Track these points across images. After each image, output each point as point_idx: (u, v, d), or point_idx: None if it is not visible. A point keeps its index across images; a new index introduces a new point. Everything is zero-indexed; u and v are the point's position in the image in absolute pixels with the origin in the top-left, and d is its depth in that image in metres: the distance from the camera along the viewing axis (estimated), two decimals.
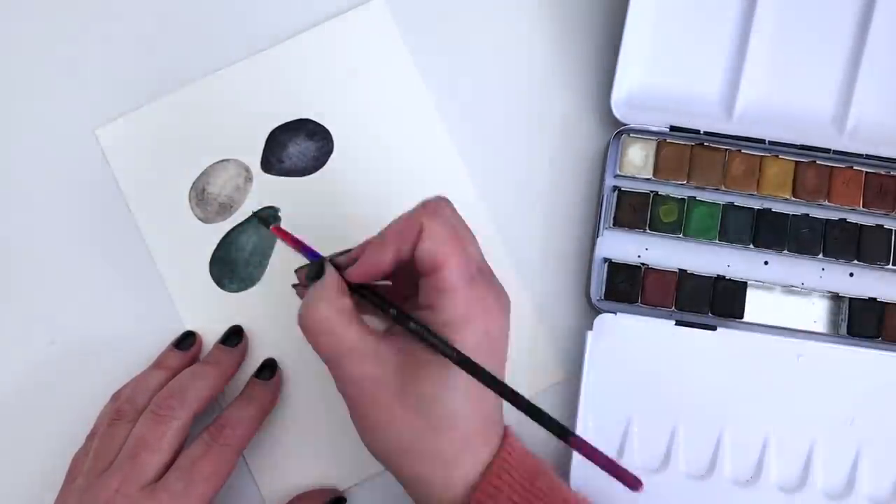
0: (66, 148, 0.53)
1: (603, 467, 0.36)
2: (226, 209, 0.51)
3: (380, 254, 0.40)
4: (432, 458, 0.40)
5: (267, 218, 0.46)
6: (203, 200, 0.50)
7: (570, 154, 0.53)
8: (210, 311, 0.51)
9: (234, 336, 0.50)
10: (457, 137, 0.53)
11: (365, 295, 0.41)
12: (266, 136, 0.53)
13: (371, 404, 0.40)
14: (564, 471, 0.48)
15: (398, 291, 0.43)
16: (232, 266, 0.51)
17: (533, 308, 0.52)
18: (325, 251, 0.43)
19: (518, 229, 0.52)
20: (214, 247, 0.52)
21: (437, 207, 0.40)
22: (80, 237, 0.52)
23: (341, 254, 0.42)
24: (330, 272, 0.41)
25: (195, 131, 0.53)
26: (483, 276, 0.41)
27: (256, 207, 0.52)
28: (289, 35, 0.54)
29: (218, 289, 0.52)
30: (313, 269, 0.42)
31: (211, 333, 0.51)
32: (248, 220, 0.52)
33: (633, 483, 0.36)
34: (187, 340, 0.50)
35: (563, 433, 0.37)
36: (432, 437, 0.40)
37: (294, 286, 0.47)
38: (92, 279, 0.52)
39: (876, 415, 0.49)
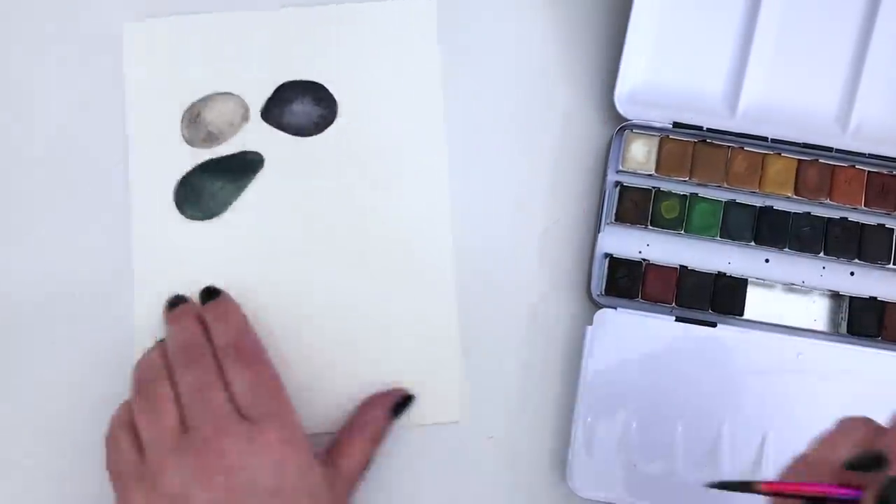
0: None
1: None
2: (213, 139, 0.51)
3: None
4: None
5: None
6: (194, 123, 0.50)
7: (573, 149, 0.53)
8: (166, 235, 0.52)
9: (213, 293, 0.50)
10: (459, 132, 0.53)
11: None
12: (276, 86, 0.53)
13: None
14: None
15: None
16: (198, 193, 0.51)
17: (533, 302, 0.52)
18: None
19: (519, 224, 0.52)
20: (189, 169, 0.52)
21: None
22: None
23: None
24: None
25: (213, 57, 0.53)
26: None
27: (243, 148, 0.52)
28: (333, 0, 0.53)
29: (178, 214, 0.52)
30: None
31: (161, 266, 0.52)
32: (229, 158, 0.52)
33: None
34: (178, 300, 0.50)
35: None
36: None
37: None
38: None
39: (874, 414, 0.48)
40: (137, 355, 0.48)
